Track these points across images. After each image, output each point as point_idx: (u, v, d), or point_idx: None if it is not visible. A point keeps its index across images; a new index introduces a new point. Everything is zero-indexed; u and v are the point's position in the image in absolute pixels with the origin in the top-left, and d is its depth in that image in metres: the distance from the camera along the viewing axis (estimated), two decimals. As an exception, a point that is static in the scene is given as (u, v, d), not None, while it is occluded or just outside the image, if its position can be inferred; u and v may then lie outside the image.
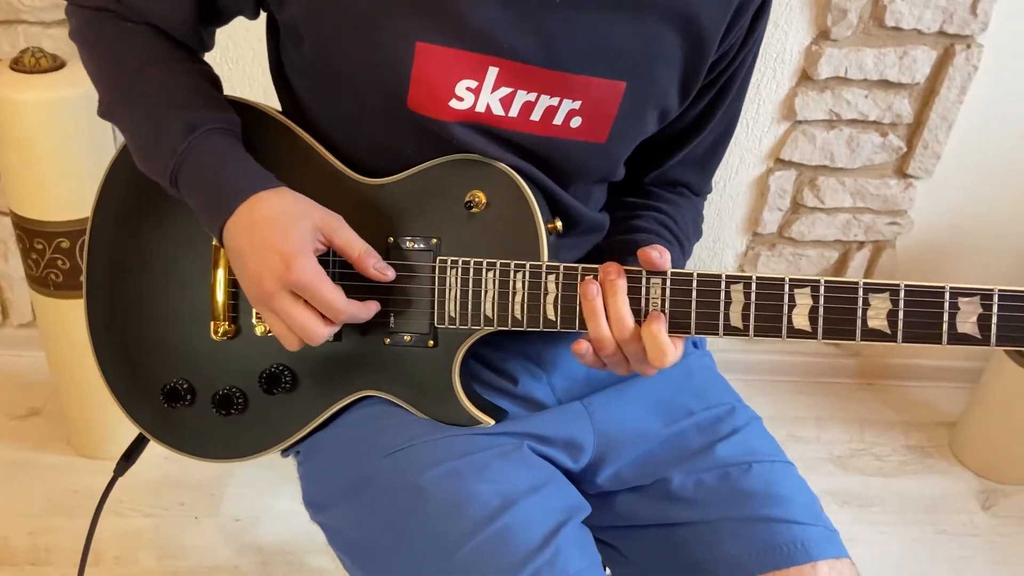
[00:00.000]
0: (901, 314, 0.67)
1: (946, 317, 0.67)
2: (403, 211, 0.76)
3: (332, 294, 0.68)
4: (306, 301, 0.69)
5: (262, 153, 0.76)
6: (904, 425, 1.85)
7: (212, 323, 0.80)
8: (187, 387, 0.81)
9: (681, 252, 0.86)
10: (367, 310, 0.72)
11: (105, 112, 0.78)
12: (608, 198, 0.88)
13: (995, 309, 0.66)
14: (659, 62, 0.74)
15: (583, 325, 0.71)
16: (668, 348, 0.68)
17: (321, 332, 0.69)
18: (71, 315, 1.34)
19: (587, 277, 0.70)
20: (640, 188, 0.88)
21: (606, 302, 0.69)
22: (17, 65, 1.19)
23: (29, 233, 1.27)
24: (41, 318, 1.39)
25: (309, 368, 0.78)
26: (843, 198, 1.68)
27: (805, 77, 1.54)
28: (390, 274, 0.72)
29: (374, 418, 0.78)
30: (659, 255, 0.69)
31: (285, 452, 0.84)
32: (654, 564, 0.81)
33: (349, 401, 0.79)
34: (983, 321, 0.66)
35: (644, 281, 0.70)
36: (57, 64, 1.21)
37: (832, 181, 1.65)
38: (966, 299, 0.66)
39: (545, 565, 0.67)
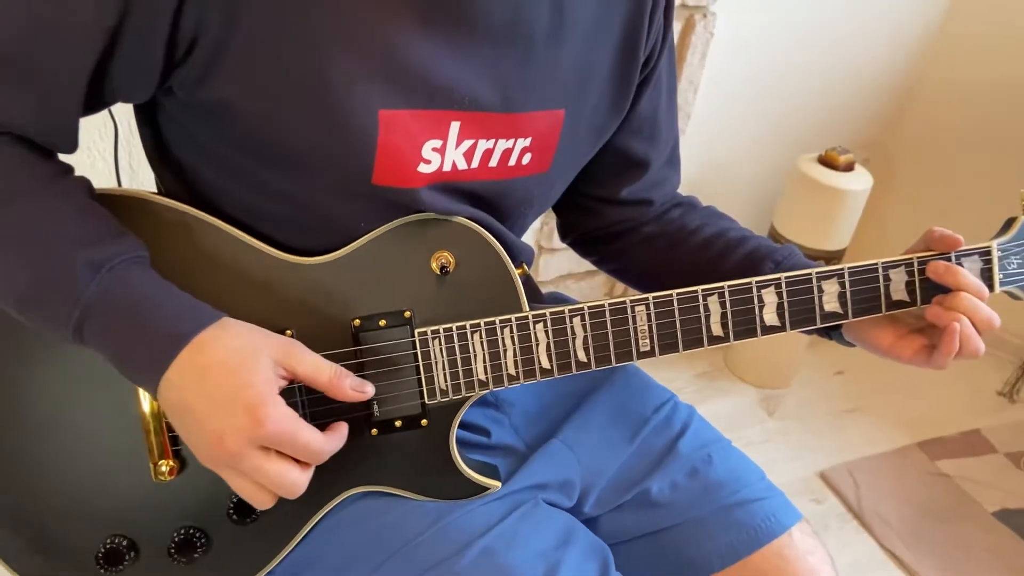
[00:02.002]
0: (849, 295, 0.75)
1: (882, 290, 0.75)
2: (362, 288, 0.68)
3: (313, 438, 0.59)
4: (277, 452, 0.59)
5: (180, 258, 0.63)
6: (688, 357, 2.05)
7: (152, 464, 0.66)
8: (127, 543, 0.67)
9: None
10: (339, 443, 0.63)
11: None
12: (656, 247, 0.87)
13: (916, 275, 0.75)
14: (591, 82, 0.73)
15: (579, 369, 0.70)
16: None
17: (302, 482, 0.60)
18: None
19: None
20: (662, 219, 0.88)
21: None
22: None
23: None
24: None
25: (281, 482, 0.68)
26: (614, 165, 1.79)
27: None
28: (369, 390, 0.64)
29: (367, 516, 0.71)
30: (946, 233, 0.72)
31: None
32: (651, 573, 0.83)
33: (334, 505, 0.70)
34: (909, 287, 0.76)
35: (630, 309, 0.71)
36: None
37: (606, 151, 1.75)
38: (895, 270, 0.75)
39: (613, 618, 0.67)
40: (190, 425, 0.58)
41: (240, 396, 0.56)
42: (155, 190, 0.72)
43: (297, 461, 0.59)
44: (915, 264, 0.75)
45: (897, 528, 1.65)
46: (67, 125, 0.61)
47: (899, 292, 0.76)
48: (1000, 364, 2.12)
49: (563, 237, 0.96)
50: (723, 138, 1.89)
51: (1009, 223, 0.78)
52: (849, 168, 1.72)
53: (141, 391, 0.65)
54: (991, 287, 0.77)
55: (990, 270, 0.76)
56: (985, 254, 0.76)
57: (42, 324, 0.59)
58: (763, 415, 1.91)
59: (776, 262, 0.80)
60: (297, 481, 0.59)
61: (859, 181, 1.71)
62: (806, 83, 1.93)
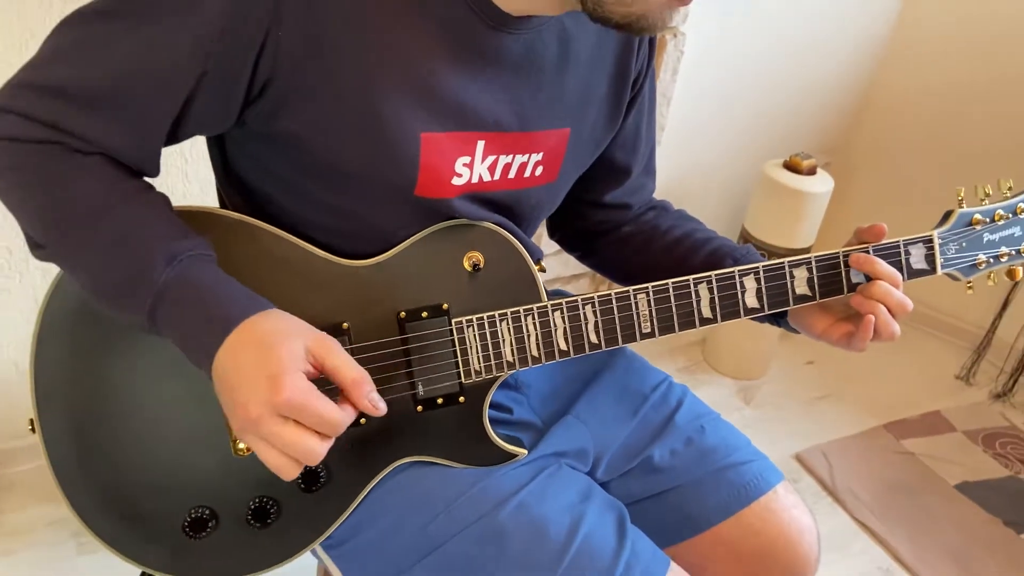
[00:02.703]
0: (816, 280, 0.87)
1: (844, 276, 0.87)
2: (405, 284, 0.79)
3: (326, 408, 0.63)
4: (295, 421, 0.63)
5: (246, 263, 0.74)
6: (670, 352, 2.19)
7: (232, 441, 0.77)
8: (209, 512, 0.77)
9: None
10: (349, 418, 0.65)
11: (49, 255, 0.70)
12: (632, 244, 0.99)
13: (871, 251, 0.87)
14: (591, 103, 0.85)
15: (591, 350, 0.82)
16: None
17: (320, 449, 0.64)
18: None
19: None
20: (638, 220, 1.00)
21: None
22: None
23: None
24: None
25: (342, 454, 0.79)
26: (595, 175, 1.92)
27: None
28: (382, 407, 0.66)
29: (413, 482, 0.81)
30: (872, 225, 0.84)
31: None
32: (656, 528, 0.94)
33: (385, 474, 0.81)
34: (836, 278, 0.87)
35: (633, 296, 0.82)
36: None
37: (588, 162, 1.88)
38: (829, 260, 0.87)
39: (632, 557, 0.78)
40: (227, 398, 0.64)
41: (264, 367, 0.62)
42: (196, 199, 0.82)
43: (318, 433, 0.64)
44: (870, 250, 0.87)
45: (868, 502, 1.78)
46: (152, 153, 0.72)
47: (858, 276, 0.88)
48: (958, 351, 2.27)
49: (551, 235, 1.08)
50: (695, 147, 2.02)
51: (947, 215, 0.91)
52: (812, 172, 1.86)
53: (223, 379, 0.76)
54: (934, 269, 0.90)
55: (932, 255, 0.89)
56: (928, 242, 0.89)
57: (121, 311, 0.68)
58: (741, 404, 2.05)
59: (735, 259, 0.92)
60: (314, 448, 0.63)
61: (821, 184, 1.86)
62: (770, 94, 2.08)
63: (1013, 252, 0.94)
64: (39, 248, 0.71)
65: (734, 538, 0.92)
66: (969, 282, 0.95)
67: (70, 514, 0.77)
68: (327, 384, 0.65)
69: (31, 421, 0.76)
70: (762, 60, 2.01)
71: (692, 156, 2.04)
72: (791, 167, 1.87)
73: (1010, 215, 0.93)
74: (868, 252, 0.85)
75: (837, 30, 2.09)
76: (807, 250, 1.95)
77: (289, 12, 0.65)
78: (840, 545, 1.69)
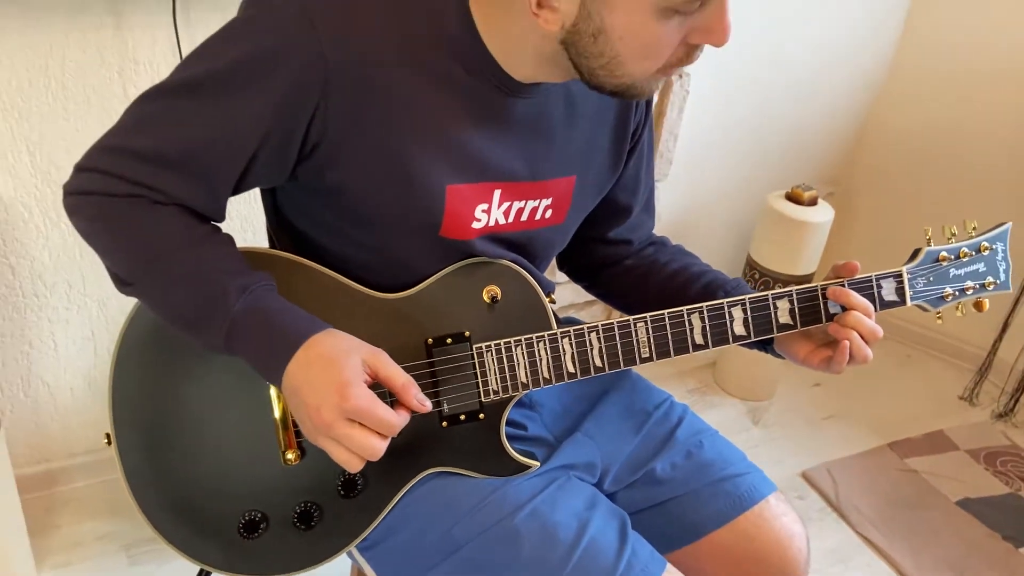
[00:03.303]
0: (797, 310, 0.97)
1: (822, 307, 0.97)
2: (432, 314, 0.90)
3: (387, 413, 0.75)
4: (360, 424, 0.75)
5: (298, 295, 0.85)
6: (681, 375, 2.28)
7: (281, 453, 0.88)
8: (260, 516, 0.88)
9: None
10: (404, 420, 0.78)
11: (132, 289, 0.82)
12: (633, 276, 1.10)
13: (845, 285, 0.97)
14: (594, 153, 0.97)
15: (596, 372, 0.93)
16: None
17: (381, 447, 0.76)
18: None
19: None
20: (639, 254, 1.11)
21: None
22: None
23: None
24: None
25: (377, 466, 0.89)
26: (607, 206, 2.03)
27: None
28: (428, 405, 0.79)
29: (439, 490, 0.92)
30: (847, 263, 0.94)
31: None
32: (659, 535, 1.03)
33: (414, 483, 0.92)
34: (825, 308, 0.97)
35: (633, 325, 0.93)
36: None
37: (600, 195, 1.99)
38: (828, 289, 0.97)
39: (632, 558, 0.88)
40: (298, 405, 0.76)
41: (333, 379, 0.74)
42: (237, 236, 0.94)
43: (378, 433, 0.76)
44: (845, 284, 0.97)
45: (871, 517, 1.86)
46: (220, 204, 0.84)
47: (835, 308, 0.98)
48: (960, 372, 2.35)
49: (560, 267, 1.19)
50: (702, 180, 2.13)
51: (916, 253, 1.01)
52: (813, 203, 1.96)
53: (274, 398, 0.87)
54: (904, 301, 0.99)
55: (902, 288, 0.99)
56: (898, 276, 0.99)
57: (199, 336, 0.80)
58: (749, 424, 2.13)
59: (726, 292, 1.02)
60: (376, 446, 0.75)
61: (822, 214, 1.96)
62: (773, 129, 2.19)
63: (977, 286, 1.04)
64: (126, 285, 0.83)
65: (730, 544, 1.01)
66: (938, 312, 1.05)
67: (137, 521, 0.88)
68: (378, 389, 0.77)
69: (107, 435, 0.88)
70: (764, 97, 2.12)
71: (699, 189, 2.14)
72: (793, 198, 1.97)
73: (973, 253, 1.03)
74: (844, 285, 0.95)
75: (835, 69, 2.20)
76: (810, 277, 2.04)
77: (335, 89, 0.77)
78: (844, 559, 1.77)
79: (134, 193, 0.79)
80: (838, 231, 2.08)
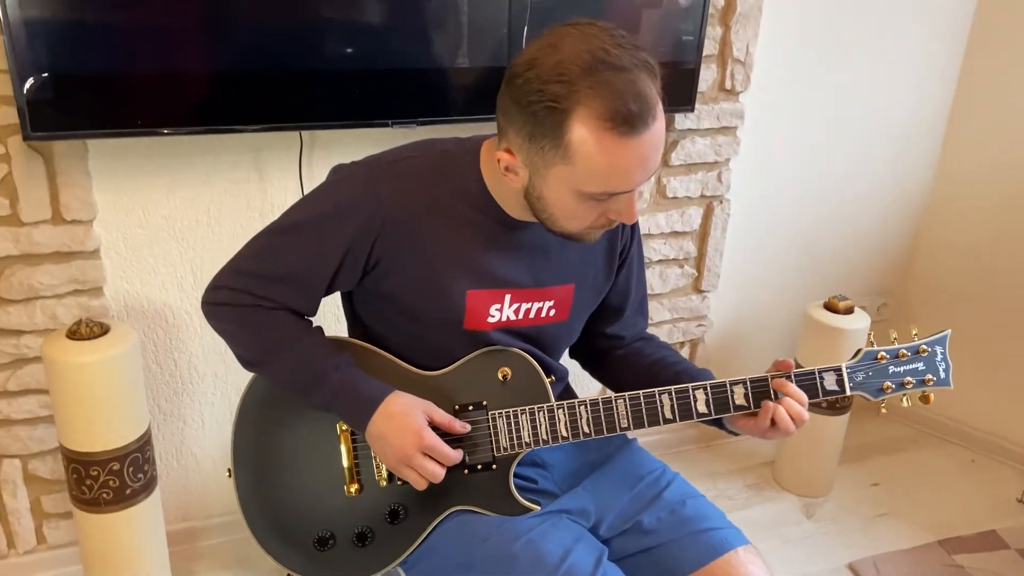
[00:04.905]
0: (750, 394, 1.22)
1: (771, 391, 1.22)
2: (459, 388, 1.22)
3: (449, 449, 1.14)
4: (430, 456, 1.14)
5: (368, 370, 1.20)
6: (740, 470, 2.46)
7: (345, 485, 1.21)
8: (330, 535, 1.21)
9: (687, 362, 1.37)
10: (460, 456, 1.18)
11: (257, 368, 1.20)
12: (623, 364, 1.38)
13: (794, 381, 1.22)
14: (590, 266, 1.28)
15: (584, 437, 1.21)
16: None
17: (442, 473, 1.14)
18: (117, 527, 1.63)
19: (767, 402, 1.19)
20: (629, 347, 1.40)
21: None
22: (74, 335, 1.52)
23: (85, 464, 1.56)
24: (86, 537, 1.65)
25: (413, 502, 1.21)
26: (664, 313, 2.32)
27: (624, 238, 2.18)
28: (468, 427, 1.19)
29: (461, 525, 1.22)
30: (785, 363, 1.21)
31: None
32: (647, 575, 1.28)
33: (443, 517, 1.22)
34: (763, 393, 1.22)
35: (614, 401, 1.21)
36: (104, 330, 1.56)
37: (655, 304, 2.28)
38: (778, 379, 1.22)
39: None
40: (384, 446, 1.14)
41: (409, 426, 1.13)
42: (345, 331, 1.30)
43: (440, 464, 1.13)
44: (792, 376, 1.23)
45: (911, 608, 1.96)
46: (315, 306, 1.22)
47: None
48: (1021, 475, 2.41)
49: (570, 355, 1.47)
50: (749, 292, 2.39)
51: (857, 352, 1.25)
52: (849, 312, 2.18)
53: (343, 447, 1.21)
54: (843, 390, 1.23)
55: (842, 380, 1.23)
56: (838, 371, 1.23)
57: (306, 399, 1.17)
58: (801, 518, 2.28)
59: (692, 378, 1.27)
60: (438, 472, 1.13)
61: (857, 321, 2.16)
62: (818, 244, 2.43)
63: (916, 381, 1.26)
64: (252, 366, 1.21)
65: (703, 586, 1.24)
66: (881, 402, 1.27)
67: (260, 572, 1.22)
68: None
69: (228, 470, 1.24)
70: (805, 215, 2.38)
71: (746, 300, 2.40)
72: (830, 307, 2.19)
73: (911, 354, 1.25)
74: (789, 377, 1.21)
75: (878, 186, 2.44)
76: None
77: (388, 230, 1.13)
78: (881, 644, 1.88)
79: (256, 304, 1.18)
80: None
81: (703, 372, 1.32)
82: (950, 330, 1.30)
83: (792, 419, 1.18)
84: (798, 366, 1.24)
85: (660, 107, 1.01)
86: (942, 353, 1.28)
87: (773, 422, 1.19)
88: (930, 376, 1.26)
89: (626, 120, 0.98)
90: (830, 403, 2.24)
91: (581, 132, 0.99)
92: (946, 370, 1.28)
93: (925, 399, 1.28)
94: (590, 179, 1.02)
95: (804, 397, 1.20)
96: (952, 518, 2.27)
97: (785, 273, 2.43)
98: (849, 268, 2.52)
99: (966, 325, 2.51)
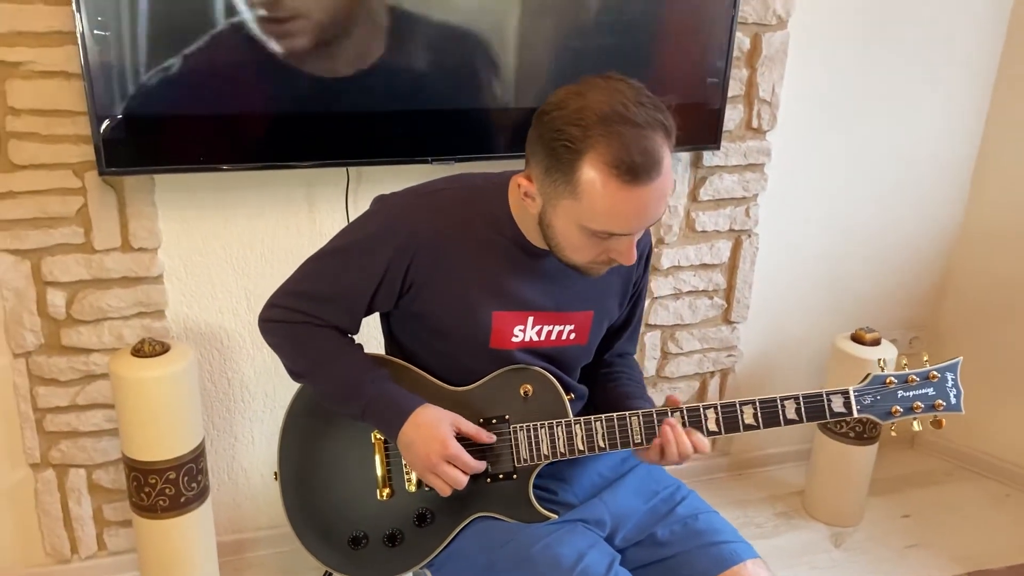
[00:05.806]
0: (760, 414, 1.30)
1: (780, 411, 1.30)
2: (484, 402, 1.32)
3: (471, 459, 1.24)
4: (453, 464, 1.23)
5: (402, 384, 1.31)
6: (770, 499, 2.50)
7: (378, 490, 1.31)
8: (363, 535, 1.31)
9: (643, 390, 1.47)
10: (482, 466, 1.27)
11: (302, 379, 1.32)
12: (589, 370, 1.48)
13: (802, 403, 1.29)
14: (607, 296, 1.38)
15: (600, 451, 1.30)
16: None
17: (464, 481, 1.24)
18: (171, 532, 1.75)
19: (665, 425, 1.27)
20: (605, 362, 1.49)
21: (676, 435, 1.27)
22: (138, 352, 1.67)
23: (144, 472, 1.70)
24: (143, 542, 1.79)
25: (440, 507, 1.31)
26: (694, 344, 2.39)
27: (654, 269, 2.26)
28: (493, 438, 1.28)
29: (483, 530, 1.31)
30: (675, 398, 1.30)
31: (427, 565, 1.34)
32: (660, 586, 1.35)
33: (467, 522, 1.31)
34: (799, 411, 1.30)
35: (628, 419, 1.30)
36: (165, 348, 1.70)
37: (685, 334, 2.36)
38: (788, 400, 1.30)
39: (613, 579, 1.22)
40: (413, 453, 1.24)
41: (436, 436, 1.22)
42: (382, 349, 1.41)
43: (462, 472, 1.23)
44: (800, 399, 1.30)
45: (936, 637, 1.98)
46: (357, 324, 1.33)
47: (791, 412, 1.30)
48: (1056, 511, 2.40)
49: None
50: (779, 323, 2.45)
51: (866, 376, 1.31)
52: (875, 343, 2.22)
53: (377, 455, 1.32)
54: (851, 412, 1.30)
55: (849, 403, 1.30)
56: (845, 394, 1.30)
57: (344, 409, 1.29)
58: (830, 547, 2.31)
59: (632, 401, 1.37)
60: (461, 479, 1.22)
61: (884, 352, 2.20)
62: (844, 275, 2.48)
63: (926, 406, 1.31)
64: (299, 376, 1.33)
65: (711, 596, 1.31)
66: (891, 425, 1.33)
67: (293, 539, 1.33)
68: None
69: (275, 473, 1.35)
70: (835, 250, 2.44)
71: (776, 331, 2.46)
72: (856, 339, 2.24)
73: (921, 379, 1.31)
74: (677, 411, 1.30)
75: (904, 222, 2.49)
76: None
77: (421, 255, 1.25)
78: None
79: (303, 320, 1.30)
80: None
81: (639, 400, 1.41)
82: (962, 357, 1.35)
83: (677, 448, 1.27)
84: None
85: (667, 164, 1.11)
86: (953, 379, 1.33)
87: (662, 453, 1.28)
88: (940, 401, 1.31)
89: (630, 170, 1.08)
90: (858, 433, 2.28)
91: (590, 173, 1.10)
92: (957, 396, 1.32)
93: (937, 424, 1.32)
94: (593, 217, 1.12)
95: (703, 441, 1.28)
96: (983, 551, 2.28)
97: (814, 306, 2.49)
98: (879, 302, 2.56)
99: (1000, 359, 2.53)
